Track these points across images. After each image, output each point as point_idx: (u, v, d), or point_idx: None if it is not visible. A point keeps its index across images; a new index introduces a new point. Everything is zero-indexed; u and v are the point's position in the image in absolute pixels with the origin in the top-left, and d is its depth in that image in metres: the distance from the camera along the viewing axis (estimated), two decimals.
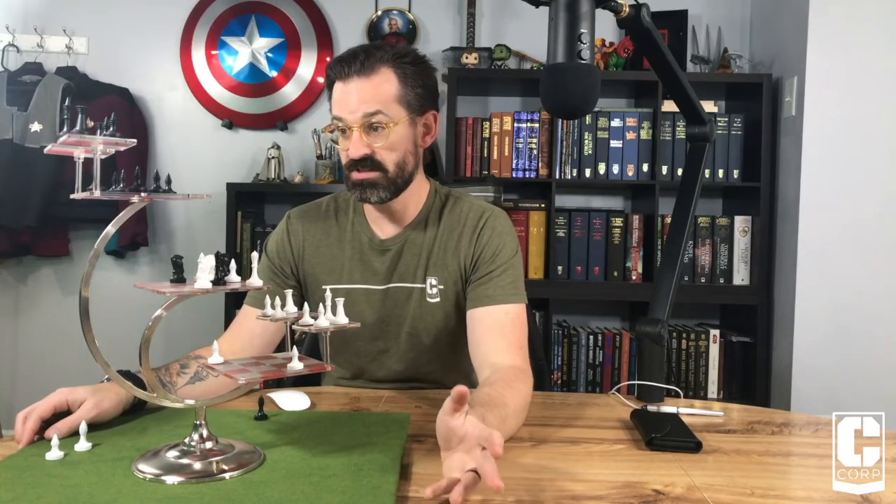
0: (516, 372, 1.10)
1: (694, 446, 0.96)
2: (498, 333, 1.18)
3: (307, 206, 1.35)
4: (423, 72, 1.20)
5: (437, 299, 1.26)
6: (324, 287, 1.27)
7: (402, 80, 1.16)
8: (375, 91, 1.14)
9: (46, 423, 0.94)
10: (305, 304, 0.89)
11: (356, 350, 1.32)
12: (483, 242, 1.25)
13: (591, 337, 2.59)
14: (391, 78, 1.16)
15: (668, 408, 1.15)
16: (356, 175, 1.18)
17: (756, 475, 0.88)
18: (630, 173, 2.55)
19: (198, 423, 0.87)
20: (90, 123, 0.79)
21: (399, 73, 1.16)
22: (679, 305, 2.15)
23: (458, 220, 1.28)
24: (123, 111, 2.69)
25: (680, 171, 2.50)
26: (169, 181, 0.84)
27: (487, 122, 2.58)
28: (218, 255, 0.82)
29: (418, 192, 1.28)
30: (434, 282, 1.26)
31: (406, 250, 1.27)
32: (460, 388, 0.78)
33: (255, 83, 2.82)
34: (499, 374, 1.09)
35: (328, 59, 2.82)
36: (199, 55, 2.82)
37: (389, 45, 1.20)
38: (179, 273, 0.83)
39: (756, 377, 2.51)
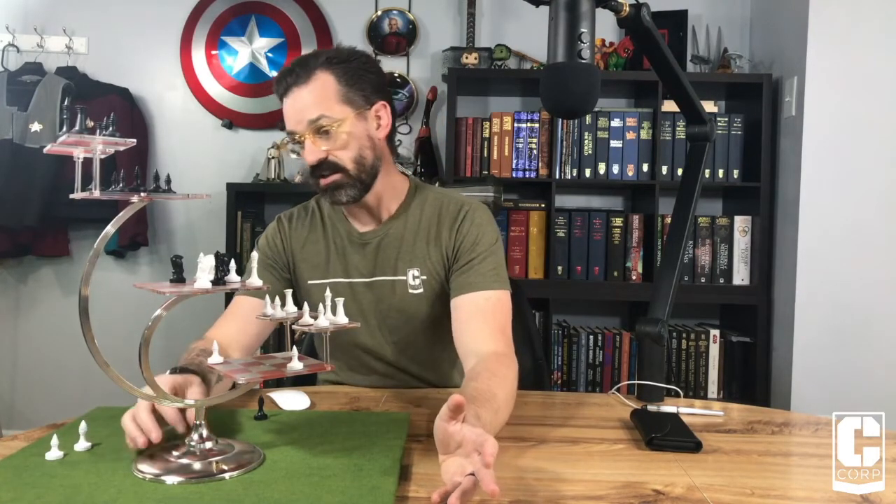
0: (499, 358, 1.11)
1: (694, 446, 0.96)
2: (480, 319, 1.19)
3: (294, 209, 1.38)
4: (362, 67, 1.21)
5: (421, 290, 1.27)
6: (309, 282, 1.29)
7: (339, 79, 1.18)
8: (314, 96, 1.17)
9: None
10: (305, 305, 0.89)
11: (341, 343, 1.32)
12: (464, 233, 1.26)
13: (591, 337, 2.59)
14: (328, 80, 1.18)
15: (668, 408, 1.15)
16: (322, 182, 1.21)
17: (756, 475, 0.88)
18: (630, 173, 2.55)
19: (197, 422, 0.87)
20: (90, 123, 0.79)
21: (335, 73, 1.18)
22: (679, 305, 2.15)
23: (437, 212, 1.29)
24: (123, 111, 2.69)
25: (680, 171, 2.50)
26: (169, 181, 0.84)
27: (487, 122, 2.58)
28: (218, 255, 0.82)
29: (393, 186, 1.29)
30: (416, 273, 1.27)
31: (386, 243, 1.28)
32: (457, 398, 0.78)
33: (255, 83, 2.82)
34: (483, 363, 1.09)
35: None
36: (199, 55, 2.82)
37: (323, 51, 1.23)
38: (179, 273, 0.83)
39: (756, 377, 2.50)
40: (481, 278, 1.21)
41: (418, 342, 1.31)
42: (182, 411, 0.92)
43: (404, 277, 1.27)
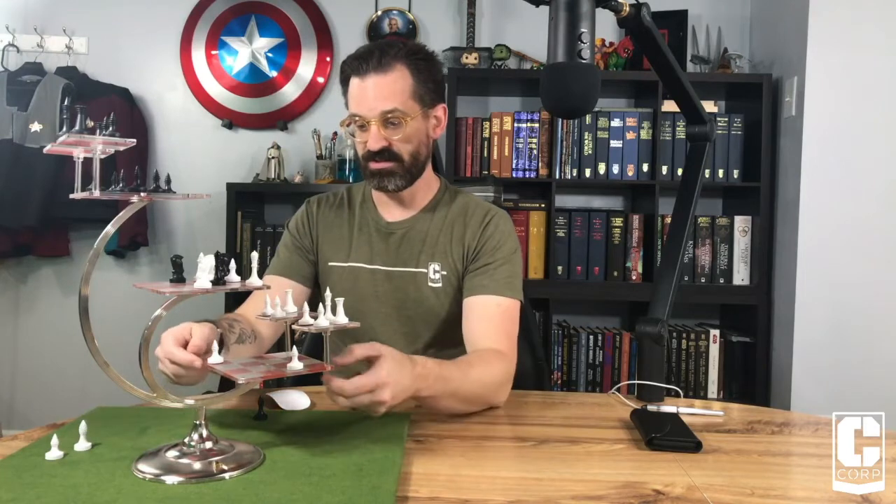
0: (494, 352, 1.16)
1: (694, 446, 0.96)
2: (487, 321, 1.22)
3: (325, 194, 1.43)
4: (434, 67, 1.27)
5: (439, 284, 1.30)
6: (330, 264, 1.31)
7: (415, 75, 1.22)
8: (391, 88, 1.20)
9: None
10: (305, 304, 0.89)
11: (356, 332, 1.33)
12: (487, 235, 1.29)
13: (591, 337, 2.58)
14: (406, 74, 1.21)
15: (668, 407, 1.15)
16: (374, 165, 1.24)
17: (756, 475, 0.88)
18: (630, 173, 2.55)
19: (197, 422, 0.87)
20: (90, 123, 0.79)
21: (413, 68, 1.22)
22: (679, 305, 2.15)
23: (464, 211, 1.33)
24: (123, 111, 2.68)
25: (680, 171, 2.50)
26: (168, 181, 0.84)
27: (487, 122, 2.58)
28: (218, 255, 0.82)
29: (428, 183, 1.34)
30: (437, 268, 1.30)
31: (411, 235, 1.32)
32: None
33: (255, 83, 2.82)
34: (478, 352, 1.16)
35: (328, 59, 2.82)
36: (199, 55, 2.82)
37: (402, 42, 1.26)
38: (179, 273, 0.83)
39: (756, 377, 2.50)
40: (495, 284, 1.25)
41: (428, 336, 1.32)
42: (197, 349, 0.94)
43: (425, 270, 1.30)
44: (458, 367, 1.06)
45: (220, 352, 0.90)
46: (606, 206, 2.79)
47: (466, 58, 2.61)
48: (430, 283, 1.30)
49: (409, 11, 2.80)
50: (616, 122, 2.55)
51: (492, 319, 1.22)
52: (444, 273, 1.30)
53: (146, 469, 0.82)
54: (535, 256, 2.55)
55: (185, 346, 0.95)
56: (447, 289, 1.30)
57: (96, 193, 0.79)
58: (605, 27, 2.64)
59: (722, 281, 2.56)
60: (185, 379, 0.95)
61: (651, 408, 1.15)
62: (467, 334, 1.24)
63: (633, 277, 2.55)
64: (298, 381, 1.36)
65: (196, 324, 0.98)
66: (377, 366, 0.91)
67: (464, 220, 1.32)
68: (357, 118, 1.22)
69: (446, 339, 1.32)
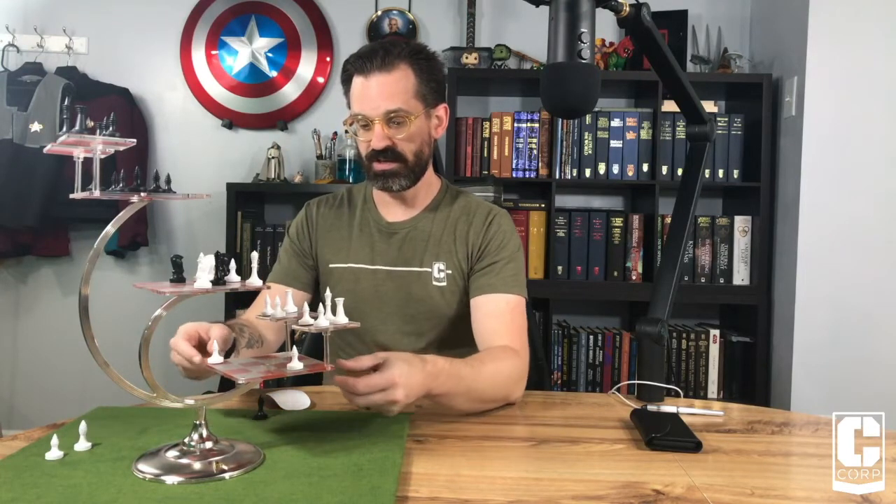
0: (506, 349, 1.16)
1: (694, 446, 0.96)
2: (498, 319, 1.23)
3: (325, 196, 1.44)
4: (436, 66, 1.27)
5: (445, 283, 1.30)
6: (331, 265, 1.32)
7: (418, 74, 1.23)
8: (395, 87, 1.20)
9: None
10: (305, 304, 0.89)
11: (358, 331, 1.33)
12: (491, 234, 1.30)
13: (591, 337, 2.58)
14: (409, 73, 1.22)
15: (668, 407, 1.15)
16: (378, 166, 1.25)
17: (756, 475, 0.88)
18: (630, 173, 2.55)
19: (197, 422, 0.87)
20: (90, 123, 0.79)
21: (416, 68, 1.22)
22: (679, 305, 2.15)
23: (467, 210, 1.34)
24: (123, 111, 2.68)
25: (680, 171, 2.50)
26: (168, 181, 0.84)
27: (487, 122, 2.58)
28: (218, 255, 0.82)
29: (429, 183, 1.35)
30: (442, 266, 1.31)
31: (414, 235, 1.32)
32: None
33: (255, 83, 2.82)
34: (489, 350, 1.17)
35: (328, 59, 2.82)
36: (199, 55, 2.82)
37: (404, 42, 1.27)
38: (179, 273, 0.83)
39: (756, 377, 2.50)
40: (502, 282, 1.25)
41: (432, 335, 1.33)
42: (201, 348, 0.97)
43: (429, 269, 1.31)
44: (469, 364, 1.06)
45: (230, 355, 0.90)
46: (606, 206, 2.79)
47: (466, 58, 2.61)
48: (434, 282, 1.30)
49: (409, 11, 2.80)
50: (616, 122, 2.55)
51: (502, 317, 1.23)
52: (450, 272, 1.30)
53: (146, 469, 0.82)
54: (535, 256, 2.55)
55: (196, 342, 0.97)
56: (452, 288, 1.30)
57: (96, 193, 0.79)
58: (605, 27, 2.64)
59: (722, 281, 2.56)
60: (192, 374, 0.98)
61: (651, 408, 1.15)
62: (478, 333, 1.24)
63: (633, 277, 2.55)
64: (298, 381, 1.36)
65: (214, 324, 1.01)
66: (388, 366, 0.92)
67: (467, 220, 1.32)
68: (360, 117, 1.22)
69: (451, 339, 1.32)
